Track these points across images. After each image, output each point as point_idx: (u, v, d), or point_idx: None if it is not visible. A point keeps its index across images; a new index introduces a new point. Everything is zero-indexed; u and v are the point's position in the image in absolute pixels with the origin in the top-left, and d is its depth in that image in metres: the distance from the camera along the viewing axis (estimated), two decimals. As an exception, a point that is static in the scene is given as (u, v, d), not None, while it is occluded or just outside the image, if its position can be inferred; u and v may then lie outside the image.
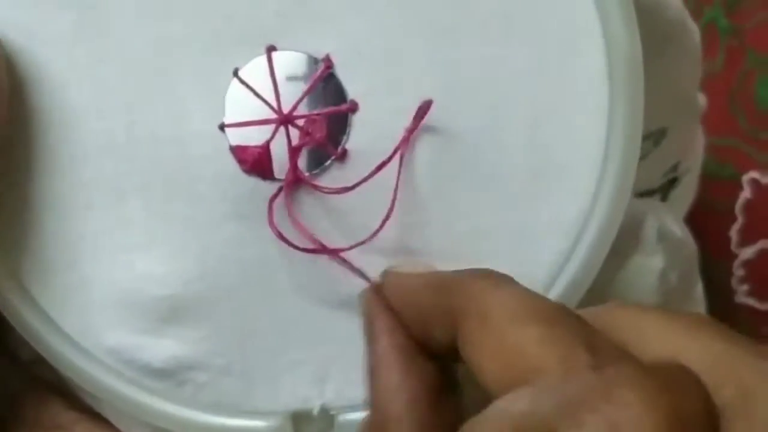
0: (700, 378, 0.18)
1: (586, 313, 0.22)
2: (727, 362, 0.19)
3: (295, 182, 0.27)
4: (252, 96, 0.27)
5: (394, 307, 0.25)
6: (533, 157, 0.27)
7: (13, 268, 0.28)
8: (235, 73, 0.27)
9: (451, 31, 0.27)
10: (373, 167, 0.27)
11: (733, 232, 0.51)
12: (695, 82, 0.35)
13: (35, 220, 0.28)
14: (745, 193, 0.51)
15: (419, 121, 0.27)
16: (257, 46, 0.27)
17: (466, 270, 0.23)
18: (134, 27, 0.27)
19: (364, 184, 0.27)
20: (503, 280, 0.22)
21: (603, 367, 0.19)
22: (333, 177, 0.27)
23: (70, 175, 0.27)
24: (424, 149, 0.27)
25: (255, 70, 0.27)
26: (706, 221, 0.49)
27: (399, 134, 0.27)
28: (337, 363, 0.28)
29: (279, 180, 0.27)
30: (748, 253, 0.50)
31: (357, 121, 0.27)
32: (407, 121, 0.27)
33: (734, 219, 0.51)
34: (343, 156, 0.27)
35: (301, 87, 0.27)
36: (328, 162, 0.27)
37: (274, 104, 0.27)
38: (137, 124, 0.27)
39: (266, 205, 0.27)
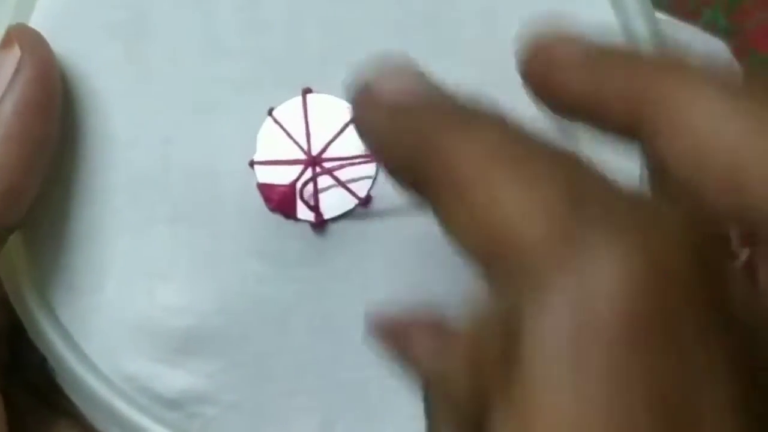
0: (690, 222, 0.15)
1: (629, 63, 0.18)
2: None
3: (318, 224, 0.27)
4: (284, 136, 0.27)
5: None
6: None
7: (40, 284, 0.28)
8: (270, 112, 0.28)
9: (487, 88, 0.27)
10: (396, 215, 0.27)
11: (733, 232, 0.49)
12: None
13: (66, 239, 0.28)
14: None
15: None
16: (294, 87, 0.28)
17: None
18: (177, 62, 0.28)
19: (385, 232, 0.27)
20: (478, 117, 0.19)
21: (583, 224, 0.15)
22: (356, 222, 0.27)
23: (103, 200, 0.28)
24: None
25: (290, 111, 0.28)
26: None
27: (425, 185, 0.27)
28: (346, 412, 0.28)
29: (302, 220, 0.27)
30: (748, 253, 0.48)
31: (385, 168, 0.27)
32: (435, 172, 0.27)
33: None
34: (367, 202, 0.27)
35: (333, 130, 0.27)
36: (353, 206, 0.27)
37: (305, 145, 0.27)
38: (173, 156, 0.28)
39: (288, 244, 0.27)
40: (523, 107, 0.27)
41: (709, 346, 0.14)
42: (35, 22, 0.28)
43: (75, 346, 0.28)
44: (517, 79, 0.27)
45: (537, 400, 0.14)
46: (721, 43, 0.33)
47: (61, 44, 0.28)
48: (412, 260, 0.27)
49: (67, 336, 0.29)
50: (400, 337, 0.23)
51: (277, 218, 0.28)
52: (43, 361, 0.29)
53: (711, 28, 0.50)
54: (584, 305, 0.14)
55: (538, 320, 0.14)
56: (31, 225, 0.28)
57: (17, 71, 0.26)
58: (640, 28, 0.27)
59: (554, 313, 0.14)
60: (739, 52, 0.49)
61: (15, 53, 0.26)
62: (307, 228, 0.27)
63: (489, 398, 0.15)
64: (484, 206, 0.17)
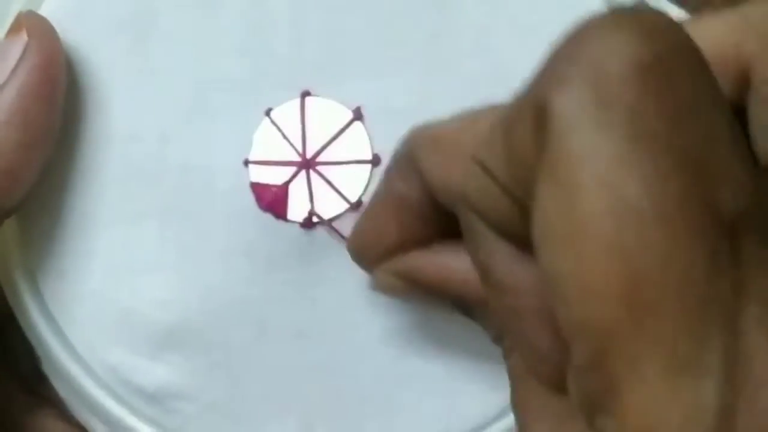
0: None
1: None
2: (739, 21, 0.18)
3: (308, 226, 0.27)
4: (280, 137, 0.28)
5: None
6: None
7: (31, 271, 0.29)
8: (267, 113, 0.28)
9: (482, 100, 0.27)
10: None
11: None
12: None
13: (59, 228, 0.28)
14: None
15: None
16: (293, 89, 0.28)
17: None
18: (179, 59, 0.28)
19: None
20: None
21: None
22: (346, 226, 0.27)
23: (98, 192, 0.28)
24: None
25: (287, 112, 0.28)
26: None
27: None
28: (324, 415, 0.28)
29: (292, 222, 0.27)
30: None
31: (377, 174, 0.27)
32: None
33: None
34: (358, 206, 0.27)
35: (329, 134, 0.28)
36: (343, 210, 0.27)
37: (300, 147, 0.28)
38: (169, 152, 0.28)
39: (276, 245, 0.27)
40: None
41: (711, 94, 0.16)
42: (45, 11, 0.28)
43: (60, 334, 0.29)
44: (509, 90, 0.27)
45: (571, 157, 0.15)
46: None
47: (68, 34, 0.28)
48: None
49: (53, 323, 0.29)
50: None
51: (268, 218, 0.28)
52: (31, 350, 0.29)
53: None
54: (596, 65, 0.15)
55: (560, 93, 0.16)
56: (26, 211, 0.28)
57: (23, 57, 0.26)
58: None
59: (574, 82, 0.16)
60: None
61: (22, 39, 0.26)
62: (297, 229, 0.27)
63: (529, 178, 0.16)
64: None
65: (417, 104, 0.27)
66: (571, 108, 0.16)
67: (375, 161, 0.27)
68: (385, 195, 0.24)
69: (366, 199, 0.27)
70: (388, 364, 0.27)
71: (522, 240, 0.18)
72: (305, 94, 0.28)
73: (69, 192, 0.28)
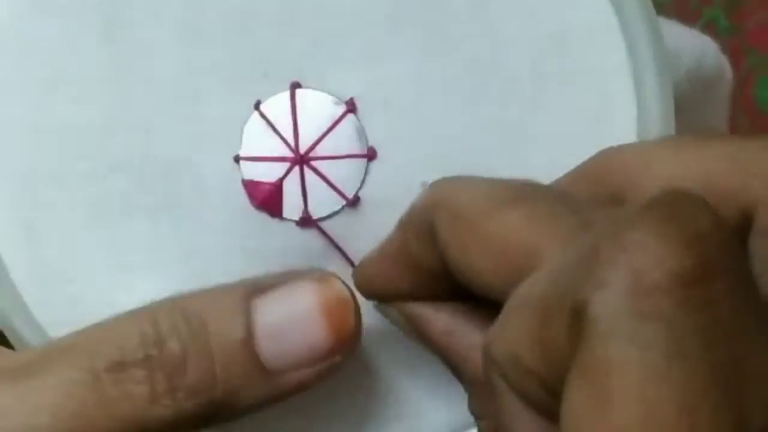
0: (700, 195, 0.17)
1: (580, 169, 0.21)
2: (745, 160, 0.18)
3: (304, 224, 0.27)
4: (270, 131, 0.27)
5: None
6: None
7: (10, 278, 0.28)
8: (257, 106, 0.27)
9: (480, 87, 0.27)
10: (384, 217, 0.26)
11: None
12: (726, 118, 0.34)
13: (39, 229, 0.27)
14: None
15: None
16: (282, 81, 0.27)
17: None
18: (163, 49, 0.27)
19: (374, 233, 0.26)
20: (463, 178, 0.22)
21: (594, 224, 0.18)
22: (343, 223, 0.27)
23: (81, 189, 0.27)
24: None
25: (277, 106, 0.27)
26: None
27: (414, 186, 0.26)
28: (322, 412, 0.28)
29: (287, 219, 0.27)
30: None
31: (373, 168, 0.27)
32: (425, 174, 0.26)
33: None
34: (355, 202, 0.27)
35: (322, 128, 0.27)
36: (340, 207, 0.27)
37: (292, 142, 0.27)
38: (154, 145, 0.27)
39: (272, 242, 0.27)
40: (513, 104, 0.27)
41: (748, 298, 0.16)
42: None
43: (46, 339, 0.28)
44: (507, 76, 0.27)
45: (606, 364, 0.15)
46: (711, 43, 0.33)
47: (42, 22, 0.27)
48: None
49: (37, 328, 0.28)
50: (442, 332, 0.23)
51: (262, 216, 0.27)
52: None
53: (711, 28, 0.50)
54: (636, 274, 0.15)
55: (599, 298, 0.16)
56: (6, 213, 0.27)
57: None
58: (639, 28, 0.27)
59: (614, 289, 0.16)
60: (739, 52, 0.49)
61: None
62: (293, 227, 0.27)
63: (560, 370, 0.16)
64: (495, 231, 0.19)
65: (412, 93, 0.27)
66: (610, 315, 0.16)
67: (370, 155, 0.27)
68: (398, 250, 0.23)
69: (363, 195, 0.27)
70: (382, 363, 0.27)
71: (548, 412, 0.18)
72: (295, 85, 0.27)
73: (52, 191, 0.27)
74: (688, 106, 0.27)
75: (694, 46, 0.31)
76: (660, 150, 0.20)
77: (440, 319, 0.23)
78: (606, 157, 0.21)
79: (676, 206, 0.16)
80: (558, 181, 0.23)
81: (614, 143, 0.26)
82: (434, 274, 0.22)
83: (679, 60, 0.29)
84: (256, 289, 0.25)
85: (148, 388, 0.23)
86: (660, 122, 0.26)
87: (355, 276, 0.25)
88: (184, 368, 0.24)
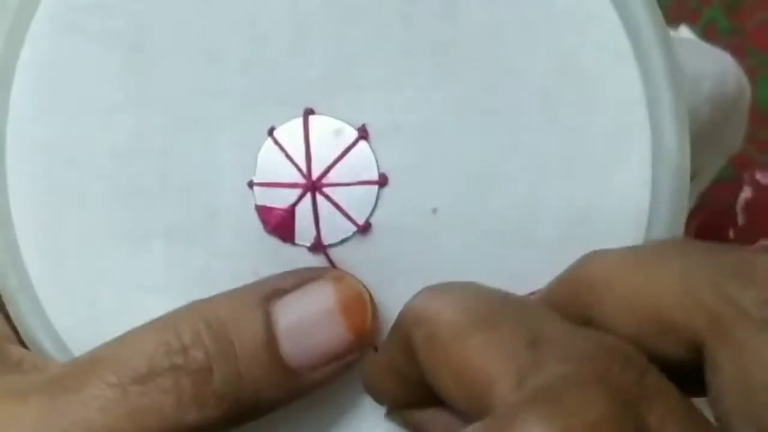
0: (626, 352, 0.18)
1: (562, 277, 0.22)
2: (691, 289, 0.19)
3: (316, 250, 0.27)
4: (283, 157, 0.27)
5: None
6: (565, 259, 0.26)
7: (38, 299, 0.28)
8: (270, 132, 0.27)
9: (492, 113, 0.26)
10: (395, 244, 0.26)
11: (733, 232, 0.50)
12: (743, 134, 0.33)
13: (60, 249, 0.28)
14: (745, 193, 0.50)
15: None
16: (296, 107, 0.27)
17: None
18: (179, 75, 0.27)
19: (385, 259, 0.26)
20: (444, 288, 0.22)
21: (543, 364, 0.18)
22: (354, 249, 0.27)
23: (101, 212, 0.28)
24: (452, 235, 0.27)
25: (291, 132, 0.27)
26: (706, 221, 0.49)
27: (426, 214, 0.26)
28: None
29: (299, 245, 0.27)
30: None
31: (385, 194, 0.27)
32: (436, 201, 0.26)
33: (734, 219, 0.49)
34: (366, 229, 0.27)
35: (334, 154, 0.27)
36: (351, 234, 0.27)
37: (305, 168, 0.27)
38: (170, 170, 0.27)
39: (284, 267, 0.27)
40: (525, 130, 0.26)
41: None
42: (35, 27, 0.27)
43: (70, 357, 0.28)
44: (520, 102, 0.26)
45: None
46: (732, 61, 0.32)
47: (61, 46, 0.27)
48: (411, 289, 0.27)
49: (62, 346, 0.28)
50: None
51: (275, 241, 0.27)
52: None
53: (711, 28, 0.49)
54: None
55: None
56: (23, 232, 0.28)
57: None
58: (655, 53, 0.26)
59: None
60: (739, 52, 0.48)
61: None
62: (305, 253, 0.27)
63: None
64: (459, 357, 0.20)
65: (424, 119, 0.27)
66: None
67: (381, 182, 0.27)
68: (387, 363, 0.24)
69: (374, 221, 0.27)
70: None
71: None
72: (308, 112, 0.27)
73: (68, 212, 0.28)
74: (709, 129, 0.26)
75: (716, 67, 0.30)
76: (621, 269, 0.21)
77: (438, 425, 0.23)
78: (581, 268, 0.22)
79: (600, 365, 0.18)
80: (547, 287, 0.23)
81: (628, 172, 0.25)
82: (422, 385, 0.22)
83: (699, 85, 0.28)
84: (275, 291, 0.25)
85: (175, 397, 0.24)
86: (676, 152, 0.26)
87: (364, 382, 0.26)
88: (210, 375, 0.24)
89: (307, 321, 0.25)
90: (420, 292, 0.22)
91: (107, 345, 0.25)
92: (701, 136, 0.26)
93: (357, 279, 0.26)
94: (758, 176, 0.51)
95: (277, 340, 0.25)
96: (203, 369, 0.24)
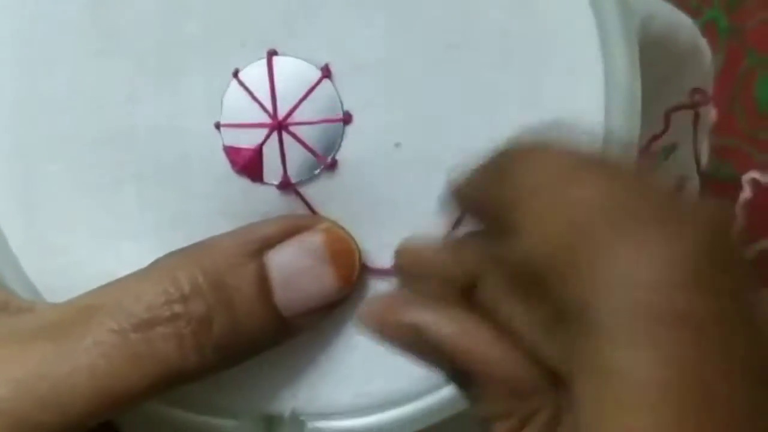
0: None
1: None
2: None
3: (284, 188, 0.28)
4: (249, 99, 0.27)
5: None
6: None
7: (10, 249, 0.29)
8: (235, 74, 0.27)
9: (451, 51, 0.27)
10: (361, 179, 0.27)
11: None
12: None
13: (31, 198, 0.28)
14: (745, 193, 0.51)
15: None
16: (260, 49, 0.27)
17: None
18: (143, 20, 0.28)
19: (352, 195, 0.27)
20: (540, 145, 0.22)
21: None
22: (322, 186, 0.28)
23: (72, 161, 0.28)
24: (415, 169, 0.27)
25: (255, 73, 0.27)
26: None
27: (390, 149, 0.27)
28: (311, 370, 0.28)
29: (268, 184, 0.28)
30: (748, 253, 0.49)
31: (350, 132, 0.27)
32: (399, 136, 0.27)
33: (734, 219, 0.50)
34: (333, 166, 0.27)
35: (299, 94, 0.27)
36: (318, 171, 0.27)
37: (270, 108, 0.27)
38: (137, 116, 0.28)
39: (255, 207, 0.28)
40: (483, 65, 0.27)
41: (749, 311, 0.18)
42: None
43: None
44: (477, 38, 0.27)
45: (610, 364, 0.17)
46: (688, 20, 0.33)
47: (23, 3, 0.27)
48: (377, 223, 0.28)
49: (35, 293, 0.29)
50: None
51: (244, 181, 0.28)
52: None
53: (711, 28, 0.50)
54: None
55: (602, 297, 0.18)
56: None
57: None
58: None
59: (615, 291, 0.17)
60: (739, 52, 0.49)
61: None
62: (274, 191, 0.28)
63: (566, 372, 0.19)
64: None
65: (384, 58, 0.27)
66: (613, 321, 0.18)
67: (346, 119, 0.27)
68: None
69: (339, 158, 0.27)
70: (352, 326, 0.28)
71: None
72: (272, 53, 0.27)
73: (43, 164, 0.28)
74: (661, 76, 0.27)
75: (670, 13, 0.31)
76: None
77: (454, 322, 0.23)
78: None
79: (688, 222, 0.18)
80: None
81: (582, 101, 0.27)
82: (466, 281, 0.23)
83: (650, 21, 0.29)
84: (267, 241, 0.26)
85: (176, 345, 0.25)
86: (627, 81, 0.27)
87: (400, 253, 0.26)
88: (210, 324, 0.25)
89: (299, 272, 0.26)
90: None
91: (105, 291, 0.26)
92: (650, 78, 0.27)
93: (344, 229, 0.27)
94: (758, 176, 0.51)
95: (272, 290, 0.26)
96: (204, 318, 0.25)
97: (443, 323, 0.23)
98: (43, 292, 0.29)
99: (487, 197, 0.22)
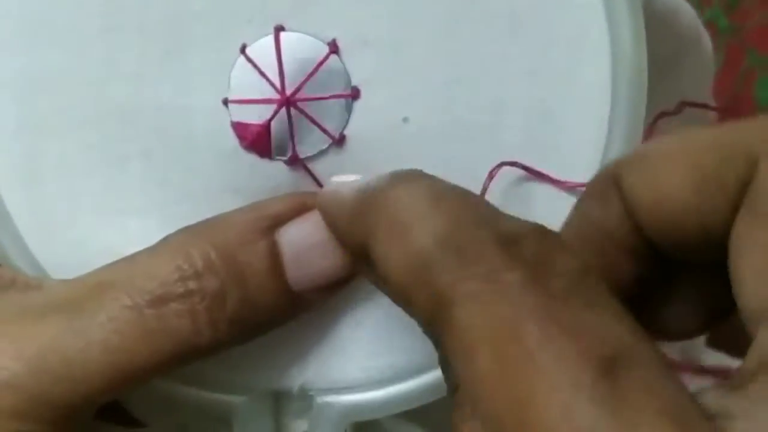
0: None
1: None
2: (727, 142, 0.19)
3: (292, 163, 0.28)
4: (257, 74, 0.27)
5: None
6: (528, 159, 0.27)
7: (16, 227, 0.29)
8: (243, 50, 0.28)
9: (458, 25, 0.27)
10: (369, 154, 0.27)
11: None
12: (707, 90, 0.35)
13: (37, 173, 0.28)
14: None
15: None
16: (267, 25, 0.28)
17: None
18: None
19: (360, 170, 0.27)
20: (408, 176, 0.22)
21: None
22: (330, 161, 0.28)
23: (77, 137, 0.28)
24: (422, 142, 0.28)
25: (262, 49, 0.28)
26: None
27: (397, 123, 0.27)
28: (319, 346, 0.29)
29: (276, 159, 0.28)
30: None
31: (358, 107, 0.28)
32: (407, 111, 0.27)
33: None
34: (341, 141, 0.28)
35: (307, 69, 0.27)
36: (326, 146, 0.28)
37: (278, 84, 0.27)
38: (144, 93, 0.28)
39: (263, 182, 0.28)
40: (491, 39, 0.27)
41: None
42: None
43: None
44: (484, 11, 0.27)
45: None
46: (690, 8, 0.33)
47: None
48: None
49: (40, 271, 0.29)
50: None
51: (252, 156, 0.28)
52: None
53: (711, 28, 0.50)
54: None
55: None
56: (3, 162, 0.28)
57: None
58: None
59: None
60: (738, 51, 0.50)
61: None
62: (282, 167, 0.28)
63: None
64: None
65: (392, 32, 0.27)
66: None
67: (354, 95, 0.28)
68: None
69: (348, 133, 0.28)
70: (359, 303, 0.29)
71: None
72: (279, 29, 0.27)
73: (48, 139, 0.28)
74: (662, 58, 0.28)
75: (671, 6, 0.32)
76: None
77: None
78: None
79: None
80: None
81: (587, 82, 0.27)
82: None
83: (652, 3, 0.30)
84: (278, 218, 0.26)
85: (190, 321, 0.25)
86: (633, 54, 0.27)
87: None
88: (224, 301, 0.25)
89: (310, 248, 0.26)
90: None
91: (117, 266, 0.26)
92: (657, 67, 0.27)
93: None
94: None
95: (284, 267, 0.26)
96: (217, 295, 0.25)
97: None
98: (48, 270, 0.29)
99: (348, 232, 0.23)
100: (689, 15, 0.32)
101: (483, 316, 0.17)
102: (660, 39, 0.28)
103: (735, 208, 0.19)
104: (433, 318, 0.19)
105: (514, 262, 0.18)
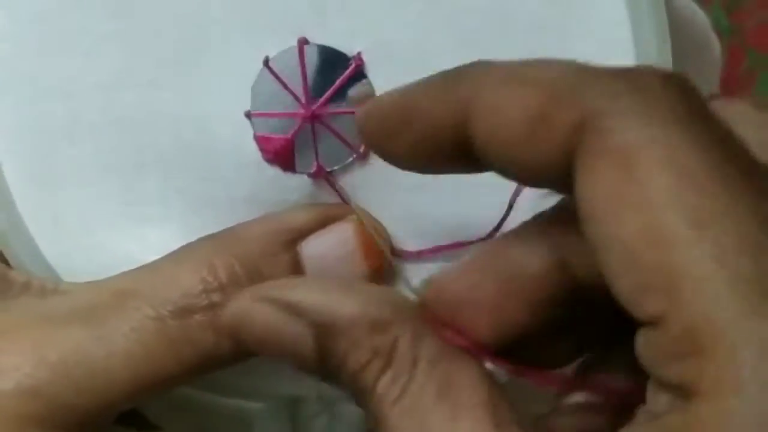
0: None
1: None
2: (572, 82, 0.18)
3: (316, 177, 0.28)
4: (280, 87, 0.27)
5: None
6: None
7: (29, 233, 0.28)
8: (266, 63, 0.27)
9: (483, 36, 0.27)
10: (393, 168, 0.27)
11: None
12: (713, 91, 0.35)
13: (56, 183, 0.28)
14: None
15: None
16: (290, 36, 0.27)
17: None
18: (170, 5, 0.27)
19: (384, 185, 0.27)
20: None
21: None
22: (353, 175, 0.28)
23: (92, 144, 0.28)
24: None
25: (285, 61, 0.27)
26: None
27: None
28: None
29: (299, 173, 0.27)
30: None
31: (382, 122, 0.27)
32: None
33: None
34: (365, 155, 0.27)
35: (330, 82, 0.27)
36: (350, 160, 0.27)
37: (303, 98, 0.27)
38: (160, 101, 0.27)
39: (285, 195, 0.28)
40: (515, 53, 0.27)
41: None
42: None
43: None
44: (509, 25, 0.27)
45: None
46: (717, 44, 0.33)
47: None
48: (410, 213, 0.28)
49: (52, 274, 0.28)
50: None
51: (274, 169, 0.28)
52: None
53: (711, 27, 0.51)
54: None
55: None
56: (13, 163, 0.28)
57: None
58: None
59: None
60: (738, 51, 0.50)
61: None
62: (305, 180, 0.28)
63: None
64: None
65: (416, 45, 0.27)
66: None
67: (379, 108, 0.27)
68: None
69: (372, 148, 0.27)
70: None
71: None
72: (303, 41, 0.27)
73: (64, 146, 0.28)
74: (676, 53, 0.28)
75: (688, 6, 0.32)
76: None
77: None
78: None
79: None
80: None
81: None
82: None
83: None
84: (300, 232, 0.26)
85: (213, 333, 0.25)
86: (656, 47, 0.27)
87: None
88: None
89: (331, 262, 0.26)
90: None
91: (138, 275, 0.26)
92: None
93: (374, 219, 0.27)
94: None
95: None
96: None
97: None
98: (62, 275, 0.29)
99: (437, 104, 0.21)
100: (702, 16, 0.33)
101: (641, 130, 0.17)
102: (677, 35, 0.28)
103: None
104: (569, 147, 0.18)
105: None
